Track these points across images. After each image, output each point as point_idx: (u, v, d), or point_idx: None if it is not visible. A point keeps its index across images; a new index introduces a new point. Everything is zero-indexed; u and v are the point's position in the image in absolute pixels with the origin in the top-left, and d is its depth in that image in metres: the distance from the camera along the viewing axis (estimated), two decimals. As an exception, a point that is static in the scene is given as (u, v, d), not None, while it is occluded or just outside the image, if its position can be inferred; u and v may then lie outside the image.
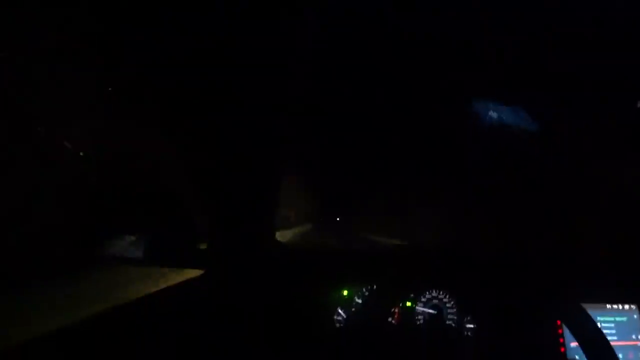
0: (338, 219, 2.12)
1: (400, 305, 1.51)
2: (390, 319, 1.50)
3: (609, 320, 1.55)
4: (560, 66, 1.37)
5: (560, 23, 1.19)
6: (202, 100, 1.14)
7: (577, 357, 1.45)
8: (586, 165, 1.69)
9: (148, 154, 1.25)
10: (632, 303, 1.58)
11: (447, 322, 1.52)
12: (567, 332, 1.46)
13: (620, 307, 1.57)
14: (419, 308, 1.52)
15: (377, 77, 1.46)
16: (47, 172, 1.17)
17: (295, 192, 1.86)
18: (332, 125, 1.64)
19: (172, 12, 1.02)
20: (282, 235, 1.63)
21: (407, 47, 1.30)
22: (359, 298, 1.52)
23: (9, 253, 1.05)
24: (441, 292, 1.54)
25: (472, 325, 1.51)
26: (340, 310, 1.49)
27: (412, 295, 1.53)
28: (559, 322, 1.49)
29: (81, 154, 1.26)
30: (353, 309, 1.50)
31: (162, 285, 1.23)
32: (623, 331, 1.54)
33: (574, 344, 1.45)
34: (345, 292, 1.51)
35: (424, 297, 1.54)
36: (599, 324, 1.51)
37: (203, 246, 1.37)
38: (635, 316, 1.57)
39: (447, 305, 1.53)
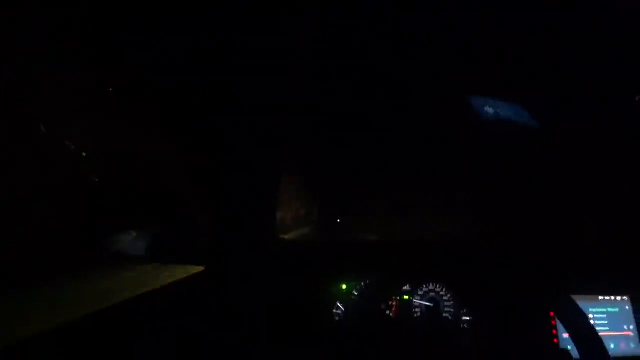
0: (339, 220, 2.12)
1: (398, 298, 1.54)
2: (387, 312, 1.53)
3: (602, 312, 1.58)
4: (558, 63, 1.38)
5: (557, 21, 1.19)
6: (202, 100, 1.14)
7: (569, 347, 1.47)
8: (581, 162, 1.71)
9: (149, 154, 1.26)
10: (624, 294, 1.61)
11: (444, 314, 1.54)
12: (559, 324, 1.49)
13: (613, 298, 1.60)
14: (416, 301, 1.55)
15: (376, 76, 1.46)
16: (48, 171, 1.17)
17: (294, 193, 1.86)
18: (332, 125, 1.65)
19: (172, 12, 1.01)
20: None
21: (406, 46, 1.31)
22: (357, 292, 1.54)
23: (10, 252, 1.06)
24: (438, 286, 1.57)
25: (468, 318, 1.53)
26: (339, 304, 1.51)
27: (409, 288, 1.55)
28: (552, 314, 1.52)
29: (83, 154, 1.26)
30: (352, 303, 1.52)
31: (163, 283, 1.23)
32: (615, 322, 1.57)
33: (566, 335, 1.48)
34: (344, 286, 1.53)
35: (421, 290, 1.56)
36: (591, 315, 1.57)
37: (203, 244, 1.38)
38: (627, 307, 1.60)
39: (444, 298, 1.56)
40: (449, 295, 1.56)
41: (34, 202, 1.16)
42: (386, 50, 1.32)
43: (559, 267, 1.59)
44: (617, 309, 1.59)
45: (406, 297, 1.55)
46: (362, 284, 1.54)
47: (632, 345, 1.56)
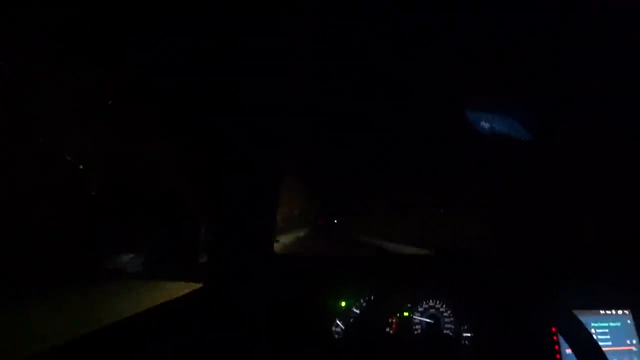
0: (336, 220, 2.11)
1: (398, 315, 1.50)
2: (387, 329, 1.49)
3: (603, 326, 1.55)
4: (557, 68, 1.41)
5: (557, 21, 1.22)
6: (202, 100, 1.14)
7: (572, 363, 1.44)
8: (582, 169, 1.72)
9: (149, 154, 1.24)
10: (626, 308, 1.59)
11: (445, 331, 1.51)
12: (562, 340, 1.46)
13: (614, 312, 1.58)
14: (416, 317, 1.51)
15: (376, 77, 1.48)
16: (48, 184, 1.15)
17: (288, 192, 1.84)
18: (332, 125, 1.65)
19: (172, 12, 1.02)
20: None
21: (407, 48, 1.33)
22: (356, 308, 1.51)
23: (11, 267, 1.03)
24: (438, 302, 1.54)
25: (469, 334, 1.50)
26: (338, 321, 1.47)
27: (409, 305, 1.52)
28: (554, 330, 1.49)
29: (80, 166, 1.24)
30: (351, 320, 1.48)
31: (162, 298, 1.21)
32: (617, 336, 1.54)
33: (569, 351, 1.45)
34: (343, 303, 1.50)
35: (421, 306, 1.53)
36: (593, 330, 1.54)
37: (203, 259, 1.35)
38: (629, 321, 1.57)
39: (444, 314, 1.53)
40: (449, 312, 1.53)
41: (34, 215, 1.13)
42: (386, 50, 1.34)
43: (560, 282, 1.58)
44: (619, 323, 1.56)
45: (406, 314, 1.51)
46: (362, 300, 1.51)
47: (635, 361, 1.53)
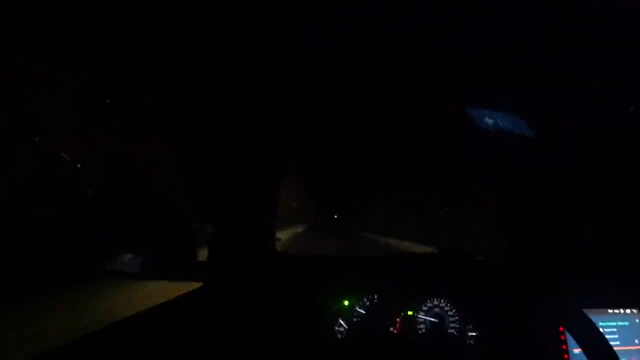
0: (336, 216, 2.11)
1: (402, 314, 1.49)
2: (391, 329, 1.48)
3: (612, 325, 1.53)
4: (558, 68, 1.40)
5: (557, 21, 1.21)
6: (202, 100, 1.14)
7: (580, 363, 1.42)
8: (584, 168, 1.70)
9: (149, 154, 1.24)
10: (634, 307, 1.57)
11: (449, 330, 1.49)
12: (569, 339, 1.45)
13: (622, 311, 1.56)
14: (421, 317, 1.50)
15: (376, 77, 1.47)
16: (48, 184, 1.16)
17: (287, 188, 1.84)
18: (333, 124, 1.64)
19: (172, 12, 1.02)
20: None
21: (406, 48, 1.32)
22: (360, 308, 1.49)
23: (9, 268, 1.04)
24: (442, 301, 1.52)
25: (474, 334, 1.49)
26: (341, 321, 1.46)
27: (413, 304, 1.51)
28: (561, 329, 1.48)
29: (78, 165, 1.25)
30: (354, 319, 1.47)
31: (162, 298, 1.21)
32: (626, 336, 1.53)
33: (577, 351, 1.43)
34: (346, 302, 1.48)
35: (425, 305, 1.51)
36: (601, 330, 1.51)
37: (203, 258, 1.35)
38: (637, 320, 1.55)
39: (449, 313, 1.51)
40: (454, 310, 1.51)
41: (33, 217, 1.14)
42: (386, 50, 1.33)
43: (566, 280, 1.56)
44: (627, 323, 1.54)
45: (410, 313, 1.50)
46: (365, 299, 1.50)
47: (644, 361, 1.51)
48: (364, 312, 1.48)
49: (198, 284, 1.32)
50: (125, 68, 1.12)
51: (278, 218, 1.44)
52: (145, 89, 1.16)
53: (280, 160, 1.28)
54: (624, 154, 1.62)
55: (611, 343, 1.48)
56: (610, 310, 1.55)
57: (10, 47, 1.03)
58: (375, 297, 1.47)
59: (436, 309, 1.52)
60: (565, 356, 1.45)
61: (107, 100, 1.18)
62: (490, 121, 1.63)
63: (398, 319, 1.49)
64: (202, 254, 1.37)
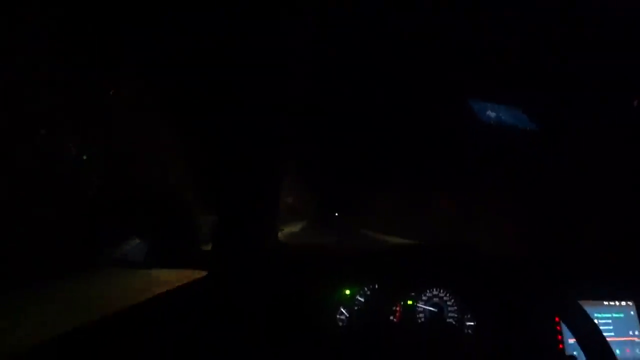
0: (337, 214, 2.12)
1: (402, 303, 1.52)
2: (391, 317, 1.50)
3: (607, 317, 1.56)
4: (558, 66, 1.38)
5: (557, 21, 1.20)
6: (202, 100, 1.14)
7: (575, 353, 1.45)
8: (584, 164, 1.70)
9: (149, 154, 1.25)
10: (629, 300, 1.59)
11: (448, 320, 1.52)
12: (565, 329, 1.47)
13: (618, 303, 1.58)
14: (420, 306, 1.52)
15: (376, 77, 1.46)
16: (50, 176, 1.17)
17: (293, 187, 1.85)
18: (333, 123, 1.64)
19: (173, 12, 1.02)
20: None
21: (407, 46, 1.31)
22: (361, 297, 1.52)
23: (12, 256, 1.05)
24: (442, 291, 1.55)
25: (472, 323, 1.51)
26: (342, 310, 1.49)
27: (413, 293, 1.53)
28: (557, 319, 1.50)
29: (84, 157, 1.26)
30: (355, 308, 1.49)
31: (164, 287, 1.23)
32: (620, 327, 1.55)
33: (572, 340, 1.46)
34: (347, 292, 1.51)
35: (425, 295, 1.54)
36: (596, 321, 1.53)
37: (206, 248, 1.37)
38: (632, 312, 1.58)
39: (448, 303, 1.54)
40: (452, 300, 1.54)
41: (36, 206, 1.15)
42: (386, 50, 1.32)
43: (564, 272, 1.57)
44: (622, 314, 1.57)
45: (410, 302, 1.52)
46: (366, 289, 1.52)
47: (638, 351, 1.54)
48: (364, 301, 1.51)
49: (201, 274, 1.34)
50: (125, 67, 1.12)
51: (279, 213, 1.45)
52: (145, 89, 1.16)
53: (281, 158, 1.29)
54: (624, 152, 1.62)
55: (606, 334, 1.50)
56: (605, 302, 1.57)
57: (11, 45, 1.03)
58: (376, 286, 1.50)
59: (435, 299, 1.54)
60: (561, 346, 1.48)
61: (109, 100, 1.18)
62: (491, 116, 1.62)
63: (398, 308, 1.51)
64: (206, 245, 1.39)
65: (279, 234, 1.59)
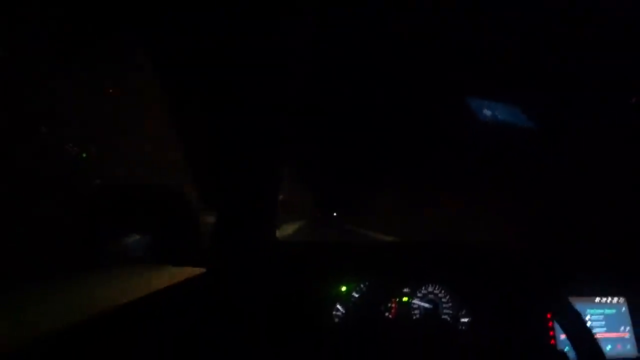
0: (335, 214, 2.13)
1: (397, 300, 1.54)
2: (387, 314, 1.52)
3: (599, 313, 1.59)
4: (555, 65, 1.39)
5: (557, 21, 1.20)
6: (202, 100, 1.14)
7: (566, 348, 1.48)
8: (578, 162, 1.72)
9: (149, 153, 1.25)
10: (621, 296, 1.62)
11: (443, 316, 1.55)
12: (557, 325, 1.50)
13: (609, 300, 1.61)
14: (415, 302, 1.55)
15: (375, 77, 1.46)
16: (49, 172, 1.17)
17: (292, 186, 1.85)
18: (332, 121, 1.64)
19: (172, 11, 1.01)
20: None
21: (407, 46, 1.31)
22: (357, 293, 1.53)
23: (10, 253, 1.05)
24: (437, 287, 1.57)
25: (467, 319, 1.54)
26: (339, 306, 1.51)
27: (408, 290, 1.55)
28: (549, 316, 1.53)
29: (84, 155, 1.26)
30: (351, 304, 1.51)
31: (163, 284, 1.23)
32: (612, 323, 1.59)
33: (563, 336, 1.49)
34: (343, 288, 1.53)
35: (420, 291, 1.56)
36: (588, 317, 1.58)
37: (204, 245, 1.37)
38: (623, 309, 1.61)
39: (443, 299, 1.56)
40: (448, 297, 1.56)
41: (35, 203, 1.15)
42: (385, 50, 1.32)
43: (557, 269, 1.60)
44: (613, 311, 1.60)
45: (405, 299, 1.54)
46: (362, 285, 1.54)
47: (628, 347, 1.58)
48: (360, 297, 1.52)
49: (199, 271, 1.35)
50: (125, 67, 1.12)
51: (278, 210, 1.46)
52: (145, 88, 1.15)
53: (280, 157, 1.29)
54: (622, 151, 1.63)
55: (598, 330, 1.56)
56: (597, 299, 1.61)
57: (11, 42, 1.02)
58: (372, 282, 1.51)
59: (431, 295, 1.56)
60: (552, 341, 1.51)
61: (108, 102, 1.18)
62: (490, 115, 1.63)
63: (393, 305, 1.54)
64: (206, 241, 1.40)
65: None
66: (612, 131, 1.62)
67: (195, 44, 1.04)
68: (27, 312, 1.01)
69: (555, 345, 1.50)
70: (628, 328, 1.59)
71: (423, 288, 1.57)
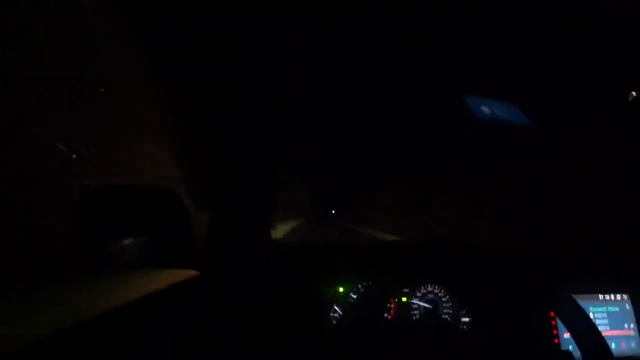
0: (333, 211, 2.13)
1: (396, 300, 1.53)
2: (386, 314, 1.51)
3: (602, 311, 1.58)
4: (555, 64, 1.39)
5: (557, 21, 1.20)
6: (201, 100, 1.14)
7: (570, 347, 1.47)
8: (578, 161, 1.72)
9: (146, 154, 1.25)
10: (624, 293, 1.61)
11: (443, 316, 1.53)
12: (560, 324, 1.49)
13: (613, 297, 1.60)
14: (415, 302, 1.53)
15: (375, 77, 1.46)
16: (43, 175, 1.16)
17: (291, 185, 1.85)
18: (331, 120, 1.64)
19: (172, 11, 1.01)
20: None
21: (406, 46, 1.31)
22: (354, 294, 1.52)
23: (6, 256, 1.04)
24: (436, 287, 1.56)
25: (467, 319, 1.53)
26: (336, 307, 1.50)
27: (407, 290, 1.54)
28: (552, 314, 1.52)
29: (74, 156, 1.25)
30: (349, 305, 1.50)
31: (160, 286, 1.23)
32: (615, 321, 1.57)
33: (567, 335, 1.48)
34: (341, 289, 1.52)
35: (420, 291, 1.55)
36: (591, 315, 1.57)
37: (200, 247, 1.37)
38: (627, 306, 1.60)
39: (443, 299, 1.55)
40: (447, 297, 1.55)
41: (29, 206, 1.15)
42: (385, 50, 1.32)
43: (559, 266, 1.59)
44: (617, 308, 1.59)
45: (404, 299, 1.53)
46: (360, 286, 1.53)
47: (633, 345, 1.56)
48: (358, 298, 1.51)
49: (195, 273, 1.34)
50: (124, 66, 1.12)
51: (276, 209, 1.45)
52: (144, 88, 1.15)
53: (278, 157, 1.29)
54: (623, 149, 1.63)
55: (601, 328, 1.53)
56: (601, 296, 1.59)
57: (10, 40, 1.02)
58: (370, 283, 1.50)
59: (430, 295, 1.55)
60: (556, 340, 1.50)
61: (107, 102, 1.18)
62: (490, 115, 1.63)
63: (392, 305, 1.53)
64: (201, 242, 1.39)
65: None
66: (612, 130, 1.62)
67: (193, 43, 1.04)
68: (27, 312, 1.01)
69: (559, 345, 1.49)
70: (632, 325, 1.58)
71: (422, 288, 1.55)
